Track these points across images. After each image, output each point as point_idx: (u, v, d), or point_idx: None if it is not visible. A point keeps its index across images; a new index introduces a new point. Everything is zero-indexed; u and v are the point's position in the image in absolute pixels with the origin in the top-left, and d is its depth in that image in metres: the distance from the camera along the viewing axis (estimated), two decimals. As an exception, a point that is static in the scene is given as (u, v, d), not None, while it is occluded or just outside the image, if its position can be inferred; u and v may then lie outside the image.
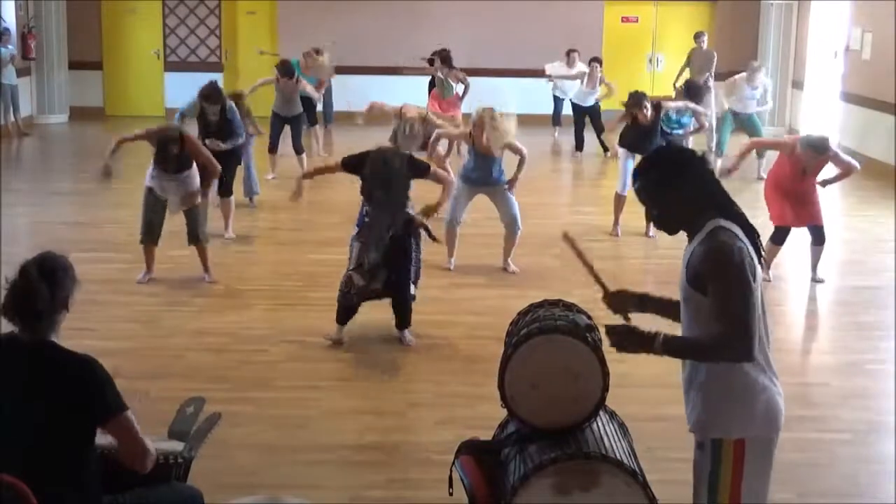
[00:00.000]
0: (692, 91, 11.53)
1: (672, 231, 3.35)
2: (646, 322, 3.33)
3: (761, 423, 3.22)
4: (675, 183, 3.24)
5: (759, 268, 3.18)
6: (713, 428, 3.23)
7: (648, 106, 9.74)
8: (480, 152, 8.40)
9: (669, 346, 3.17)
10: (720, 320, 3.07)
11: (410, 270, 6.83)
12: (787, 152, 8.36)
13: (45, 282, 3.35)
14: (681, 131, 10.55)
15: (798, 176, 8.21)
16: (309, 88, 12.66)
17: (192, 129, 8.85)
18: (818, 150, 8.14)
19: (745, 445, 3.20)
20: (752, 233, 3.25)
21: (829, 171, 8.61)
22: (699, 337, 3.20)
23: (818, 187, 8.39)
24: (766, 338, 3.21)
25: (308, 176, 7.74)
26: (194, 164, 8.03)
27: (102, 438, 3.47)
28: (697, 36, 15.89)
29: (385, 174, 6.60)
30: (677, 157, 3.38)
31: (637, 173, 3.36)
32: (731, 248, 3.12)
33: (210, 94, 9.20)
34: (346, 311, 6.78)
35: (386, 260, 6.62)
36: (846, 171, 8.51)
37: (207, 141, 8.99)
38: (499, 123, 8.25)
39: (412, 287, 6.92)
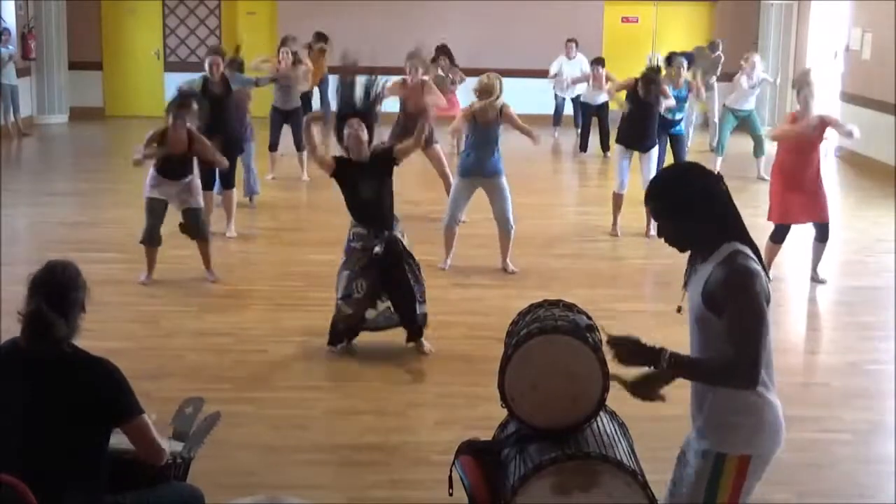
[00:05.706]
0: (692, 59, 11.43)
1: (684, 250, 3.29)
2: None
3: (768, 440, 3.21)
4: (688, 203, 3.17)
5: (771, 293, 3.15)
6: (722, 442, 3.20)
7: (656, 88, 9.71)
8: (481, 123, 8.31)
9: (676, 364, 3.12)
10: (731, 345, 3.04)
11: (414, 289, 6.59)
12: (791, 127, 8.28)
13: (59, 310, 3.35)
14: (681, 121, 10.46)
15: (804, 152, 8.10)
16: (301, 75, 12.51)
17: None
18: (805, 77, 8.42)
19: (748, 461, 3.18)
20: (760, 256, 3.22)
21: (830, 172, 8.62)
22: (707, 359, 3.16)
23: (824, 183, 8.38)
24: (770, 355, 3.19)
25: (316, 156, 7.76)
26: (196, 170, 8.02)
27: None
28: (713, 46, 15.61)
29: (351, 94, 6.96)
30: (687, 176, 3.28)
31: (648, 196, 3.28)
32: (751, 273, 3.09)
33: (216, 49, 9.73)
34: (335, 336, 6.64)
35: (386, 284, 6.54)
36: (845, 130, 8.50)
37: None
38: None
39: (421, 306, 6.65)
